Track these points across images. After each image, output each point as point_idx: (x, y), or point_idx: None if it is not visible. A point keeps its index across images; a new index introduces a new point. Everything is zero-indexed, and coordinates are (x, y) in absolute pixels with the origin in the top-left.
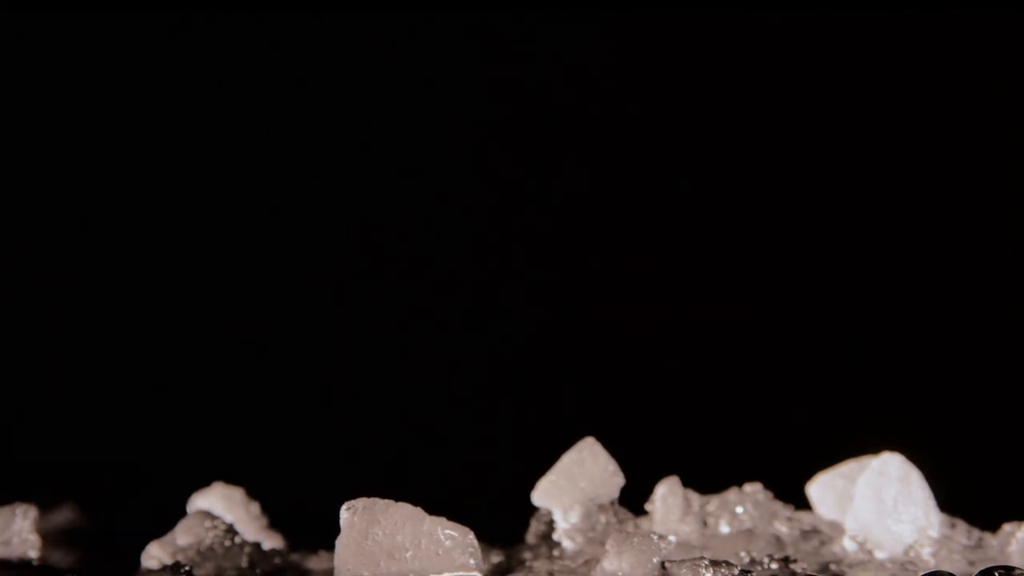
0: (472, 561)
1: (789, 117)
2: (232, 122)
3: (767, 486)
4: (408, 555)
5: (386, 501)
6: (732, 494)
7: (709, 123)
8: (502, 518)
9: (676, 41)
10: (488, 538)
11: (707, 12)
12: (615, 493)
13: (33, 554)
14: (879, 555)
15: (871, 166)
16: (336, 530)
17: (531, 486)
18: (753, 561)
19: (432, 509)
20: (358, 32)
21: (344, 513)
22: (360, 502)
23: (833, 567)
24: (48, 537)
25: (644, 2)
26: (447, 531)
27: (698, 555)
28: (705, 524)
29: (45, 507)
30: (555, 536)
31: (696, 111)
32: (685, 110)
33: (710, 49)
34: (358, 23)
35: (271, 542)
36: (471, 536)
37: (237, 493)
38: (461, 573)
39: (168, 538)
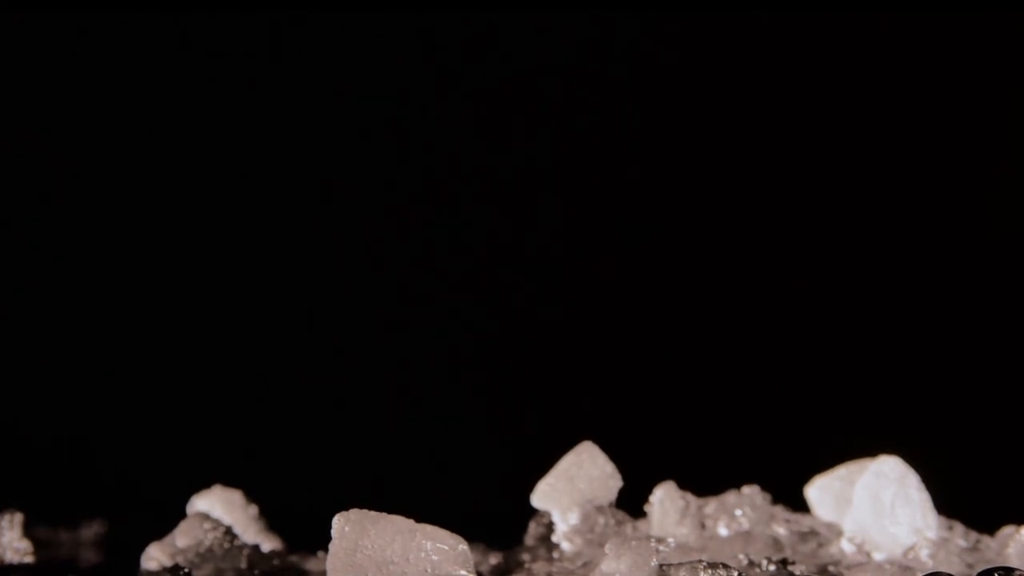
0: (463, 572)
1: (786, 117)
2: (231, 124)
3: (765, 488)
4: (398, 569)
5: (377, 513)
6: (730, 496)
7: (707, 122)
8: (501, 520)
9: (676, 40)
10: (487, 540)
11: (706, 12)
12: (613, 495)
13: (28, 560)
14: (877, 557)
15: (872, 167)
16: None
17: (530, 488)
18: (751, 563)
19: (431, 512)
20: (356, 33)
21: (335, 523)
22: (352, 513)
23: (831, 569)
24: (45, 540)
25: (648, 3)
26: (438, 544)
27: (696, 557)
28: (703, 526)
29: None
30: (554, 538)
31: (693, 110)
32: (682, 109)
33: (708, 49)
34: (356, 24)
35: (270, 544)
36: (463, 546)
37: (236, 495)
38: None
39: (167, 540)
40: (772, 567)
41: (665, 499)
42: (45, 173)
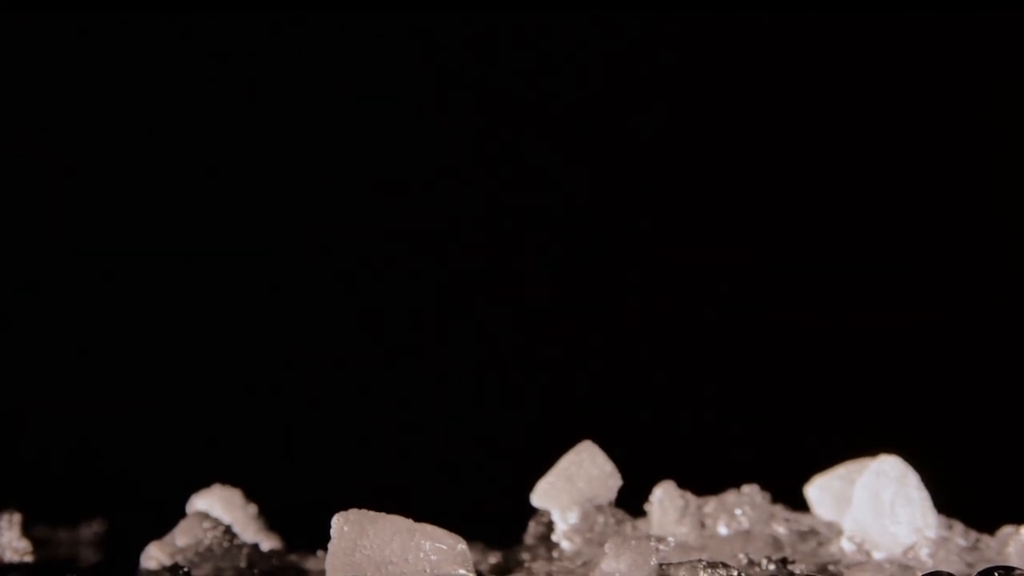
0: (462, 572)
1: (787, 117)
2: (231, 124)
3: (765, 487)
4: (397, 569)
5: (376, 513)
6: (730, 495)
7: (707, 122)
8: (501, 519)
9: (676, 40)
10: (487, 539)
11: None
12: (613, 494)
13: (27, 559)
14: (877, 556)
15: (872, 166)
16: None
17: (530, 487)
18: (751, 562)
19: (431, 511)
20: (356, 33)
21: (334, 522)
22: (351, 513)
23: (831, 568)
24: (44, 540)
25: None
26: (437, 544)
27: (696, 557)
28: (703, 525)
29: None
30: (553, 537)
31: (693, 110)
32: (682, 109)
33: (714, 48)
34: (356, 24)
35: (269, 543)
36: (462, 546)
37: (235, 494)
38: None
39: (167, 539)
40: (772, 566)
41: (665, 498)
42: (45, 173)
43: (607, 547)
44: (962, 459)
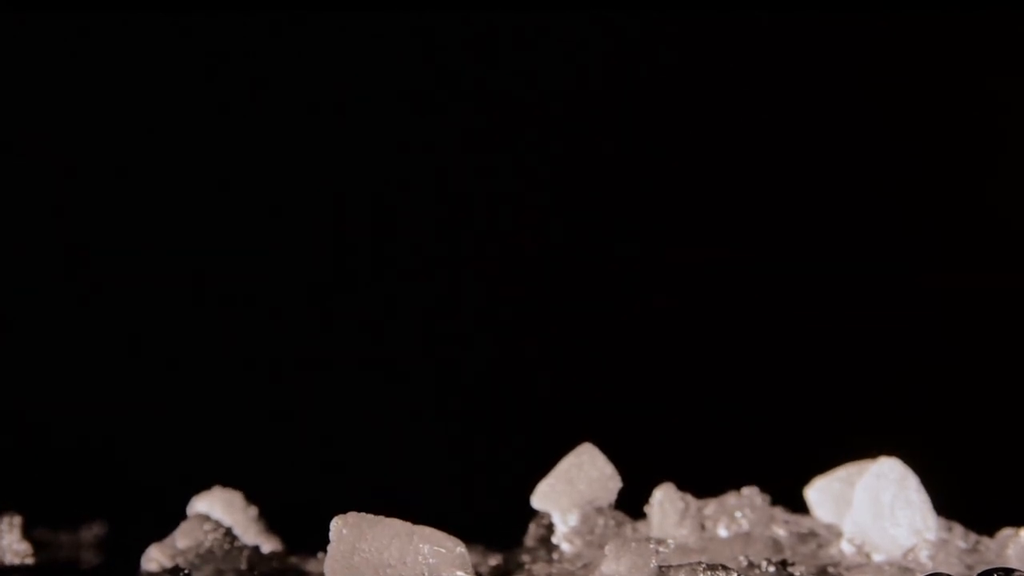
0: (461, 574)
1: (787, 117)
2: (231, 124)
3: (764, 490)
4: (395, 572)
5: (375, 516)
6: (730, 498)
7: (707, 122)
8: (501, 521)
9: (676, 40)
10: (487, 541)
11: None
12: (613, 497)
13: (28, 561)
14: (877, 558)
15: (872, 166)
16: None
17: (530, 489)
18: (751, 564)
19: (430, 513)
20: (356, 33)
21: (333, 525)
22: (349, 516)
23: (831, 570)
24: (45, 542)
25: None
26: (436, 547)
27: (696, 559)
28: (703, 528)
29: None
30: (554, 539)
31: (693, 110)
32: (682, 109)
33: (708, 46)
34: (356, 24)
35: (270, 545)
36: (461, 548)
37: (236, 496)
38: None
39: (168, 541)
40: (772, 568)
41: (665, 500)
42: (46, 173)
43: (607, 549)
44: (962, 461)
